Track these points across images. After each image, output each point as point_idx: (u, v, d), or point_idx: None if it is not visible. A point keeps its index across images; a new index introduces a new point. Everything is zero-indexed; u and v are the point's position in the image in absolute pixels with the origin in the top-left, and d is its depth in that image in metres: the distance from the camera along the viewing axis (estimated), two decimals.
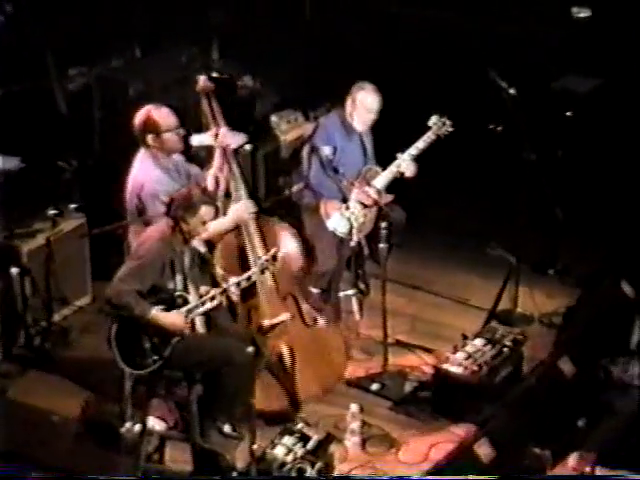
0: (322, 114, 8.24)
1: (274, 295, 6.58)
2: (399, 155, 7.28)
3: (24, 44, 8.44)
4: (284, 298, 6.64)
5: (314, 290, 7.19)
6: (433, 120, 7.33)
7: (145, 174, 6.42)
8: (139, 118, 6.50)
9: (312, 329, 6.72)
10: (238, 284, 6.15)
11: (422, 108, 7.57)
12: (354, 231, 6.87)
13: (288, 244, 6.68)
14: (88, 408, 6.61)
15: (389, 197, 7.26)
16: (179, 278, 6.09)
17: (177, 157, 6.60)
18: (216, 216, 6.29)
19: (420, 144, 7.28)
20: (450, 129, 7.32)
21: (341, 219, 7.07)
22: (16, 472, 5.92)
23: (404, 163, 7.26)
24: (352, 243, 6.89)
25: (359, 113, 7.25)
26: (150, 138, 6.46)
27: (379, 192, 7.16)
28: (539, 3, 9.41)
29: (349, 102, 7.27)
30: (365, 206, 7.11)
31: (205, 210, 6.06)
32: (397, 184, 7.38)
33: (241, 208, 6.51)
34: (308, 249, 6.99)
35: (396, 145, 7.39)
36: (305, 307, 6.72)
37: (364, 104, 7.22)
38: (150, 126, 6.45)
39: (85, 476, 5.96)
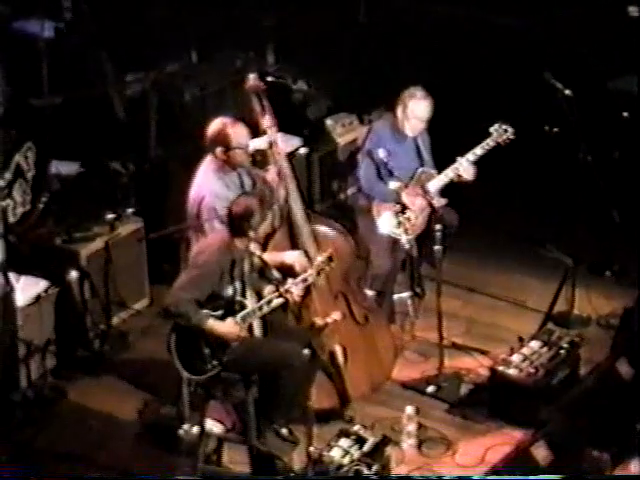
0: (376, 118, 8.24)
1: (326, 294, 6.61)
2: (458, 159, 7.27)
3: (83, 50, 8.55)
4: (336, 297, 6.67)
5: (369, 292, 7.22)
6: (495, 127, 7.29)
7: (207, 185, 6.46)
8: (213, 129, 6.50)
9: (362, 328, 6.74)
10: (296, 285, 6.19)
11: (478, 111, 7.55)
12: (402, 232, 6.88)
13: (339, 243, 6.70)
14: (147, 410, 6.68)
15: (442, 201, 7.24)
16: (238, 284, 6.13)
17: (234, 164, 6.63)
18: (272, 223, 6.32)
19: (478, 150, 7.25)
20: (512, 137, 7.26)
21: (390, 220, 7.09)
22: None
23: (461, 167, 7.24)
24: (405, 245, 6.89)
25: (409, 120, 7.24)
26: (219, 151, 6.48)
27: (432, 194, 7.16)
28: (595, 3, 9.34)
29: (400, 109, 7.24)
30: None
31: (262, 219, 6.11)
32: (453, 186, 7.38)
33: (296, 257, 6.41)
34: (360, 249, 7.03)
35: (453, 149, 7.38)
36: (356, 306, 6.75)
37: (415, 112, 7.20)
38: (222, 140, 6.45)
39: (142, 477, 6.03)
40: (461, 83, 9.28)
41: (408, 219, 6.98)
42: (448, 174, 7.25)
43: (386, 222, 7.12)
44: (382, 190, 7.16)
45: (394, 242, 7.11)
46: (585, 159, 7.34)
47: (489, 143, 7.26)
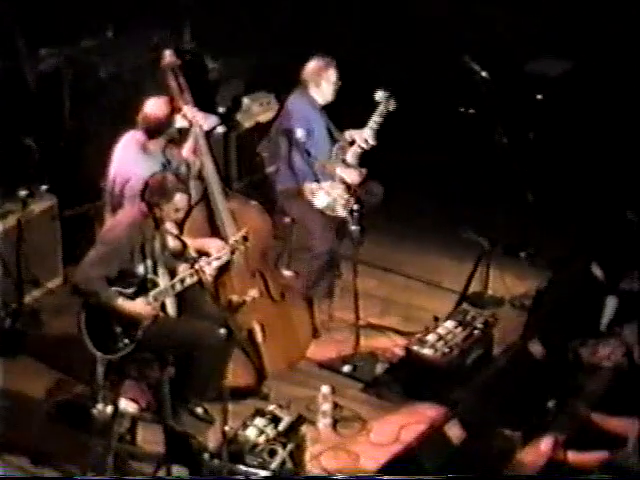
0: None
1: (243, 272, 6.60)
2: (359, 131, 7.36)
3: None
4: (253, 275, 6.67)
5: (286, 272, 7.22)
6: (380, 95, 7.35)
7: (133, 165, 6.40)
8: (156, 109, 6.50)
9: (279, 305, 6.76)
10: (208, 264, 6.15)
11: (398, 94, 7.57)
12: (340, 208, 6.94)
13: (257, 222, 6.68)
14: (59, 390, 6.60)
15: (363, 171, 7.31)
16: (149, 262, 6.08)
17: (161, 141, 6.57)
18: (189, 202, 6.28)
19: (377, 118, 7.35)
20: (394, 105, 7.35)
21: (327, 197, 7.10)
22: None
23: (370, 138, 7.31)
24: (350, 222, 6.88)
25: (323, 88, 7.26)
26: (150, 130, 6.48)
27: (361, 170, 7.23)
28: None
29: (312, 82, 7.25)
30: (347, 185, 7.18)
31: (179, 197, 6.06)
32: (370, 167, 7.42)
33: (213, 246, 6.39)
34: (277, 228, 7.07)
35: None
36: (273, 284, 6.75)
37: (332, 79, 7.24)
38: (163, 121, 6.49)
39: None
40: (380, 63, 9.29)
41: (341, 195, 7.05)
42: (360, 146, 7.33)
43: (324, 200, 7.12)
44: (303, 169, 7.16)
45: (331, 219, 7.10)
46: (500, 141, 7.41)
47: (383, 110, 7.35)
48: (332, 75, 7.27)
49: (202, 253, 6.31)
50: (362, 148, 7.37)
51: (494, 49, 8.80)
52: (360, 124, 7.44)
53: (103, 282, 5.89)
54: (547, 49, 9.18)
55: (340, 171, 7.25)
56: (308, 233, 7.21)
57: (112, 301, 5.90)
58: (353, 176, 7.27)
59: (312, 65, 7.28)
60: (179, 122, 6.72)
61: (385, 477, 5.79)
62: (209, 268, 6.14)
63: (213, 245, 6.36)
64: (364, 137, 7.36)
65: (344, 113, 7.56)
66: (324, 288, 7.28)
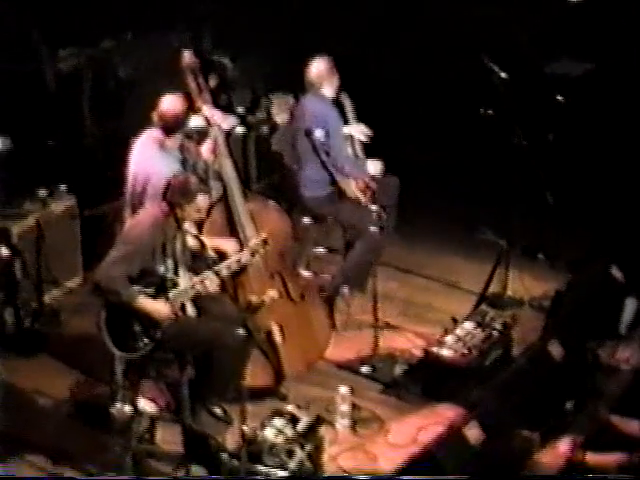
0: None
1: (262, 273, 6.61)
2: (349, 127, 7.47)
3: (15, 24, 8.41)
4: (272, 276, 6.67)
5: (305, 272, 7.23)
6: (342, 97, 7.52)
7: (152, 163, 6.42)
8: (171, 106, 6.53)
9: (298, 306, 6.76)
10: (228, 267, 6.17)
11: (416, 94, 7.58)
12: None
13: (276, 223, 6.69)
14: (79, 389, 6.62)
15: (378, 165, 7.37)
16: (170, 262, 6.09)
17: (178, 138, 6.59)
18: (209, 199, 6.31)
19: (352, 114, 7.51)
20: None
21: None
22: None
23: (365, 129, 7.45)
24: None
25: (328, 84, 7.29)
26: (168, 128, 6.50)
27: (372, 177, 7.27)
28: None
29: (321, 80, 7.27)
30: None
31: (201, 198, 6.07)
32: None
33: (230, 247, 6.40)
34: (296, 230, 7.07)
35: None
36: (292, 285, 6.75)
37: (321, 74, 7.27)
38: (179, 118, 6.52)
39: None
40: (399, 65, 9.29)
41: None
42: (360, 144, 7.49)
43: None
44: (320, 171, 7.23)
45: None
46: (520, 142, 7.40)
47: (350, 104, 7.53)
48: (323, 69, 7.31)
49: (218, 253, 6.32)
50: (363, 141, 7.45)
51: (514, 50, 8.78)
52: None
53: (125, 281, 5.90)
54: (567, 50, 9.16)
55: (369, 164, 7.36)
56: (361, 229, 7.18)
57: (133, 300, 5.90)
58: (377, 167, 7.39)
59: (320, 67, 7.30)
60: (196, 121, 6.74)
61: (403, 477, 5.78)
62: (228, 271, 6.15)
63: (228, 245, 6.36)
64: (360, 130, 7.43)
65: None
66: (363, 281, 7.24)
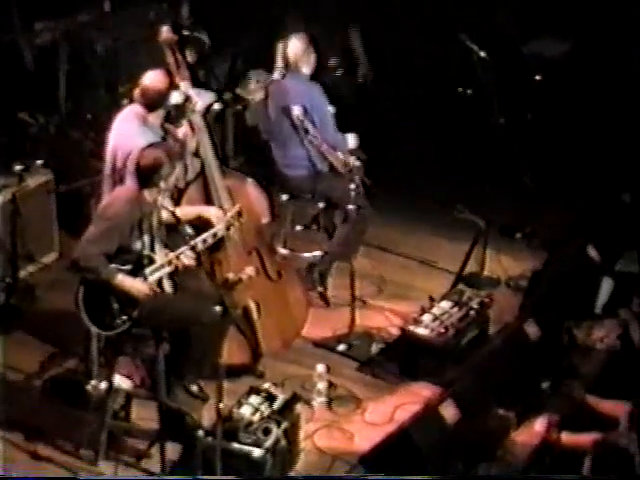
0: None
1: (240, 249, 6.59)
2: None
3: None
4: (249, 253, 6.65)
5: (282, 250, 7.22)
6: None
7: (133, 138, 6.36)
8: (153, 81, 6.48)
9: (275, 284, 6.75)
10: (204, 241, 6.14)
11: (394, 73, 7.54)
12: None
13: (253, 199, 6.67)
14: (52, 364, 6.59)
15: (354, 139, 7.38)
16: (146, 238, 6.05)
17: (160, 114, 6.55)
18: (185, 175, 6.28)
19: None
20: None
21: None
22: None
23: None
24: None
25: (306, 62, 7.24)
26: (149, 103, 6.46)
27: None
28: None
29: (300, 59, 7.24)
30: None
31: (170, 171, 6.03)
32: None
33: (213, 213, 6.38)
34: (274, 207, 7.03)
35: None
36: (269, 262, 6.74)
37: (307, 51, 7.23)
38: (160, 93, 6.47)
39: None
40: (378, 44, 9.24)
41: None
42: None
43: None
44: (295, 146, 7.20)
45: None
46: (498, 121, 7.39)
47: None
48: (299, 47, 7.25)
49: (202, 221, 6.28)
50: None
51: (492, 29, 8.76)
52: None
53: (103, 259, 5.86)
54: (546, 29, 9.14)
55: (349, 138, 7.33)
56: (342, 206, 7.14)
57: (111, 278, 5.87)
58: (353, 140, 7.36)
59: (297, 45, 7.24)
60: (175, 97, 6.69)
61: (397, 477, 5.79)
62: (204, 245, 6.13)
63: (211, 212, 6.34)
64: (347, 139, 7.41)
65: None
66: (351, 253, 7.19)
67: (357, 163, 7.00)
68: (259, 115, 7.86)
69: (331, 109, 7.43)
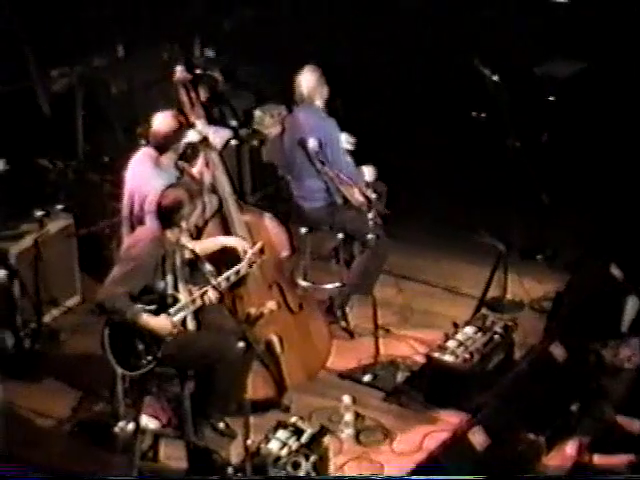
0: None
1: (260, 284, 6.60)
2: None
3: (5, 45, 8.40)
4: (270, 287, 6.66)
5: (302, 282, 7.22)
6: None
7: (148, 180, 6.41)
8: (164, 123, 6.50)
9: (297, 316, 6.75)
10: (227, 279, 6.16)
11: (408, 99, 7.55)
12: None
13: (272, 233, 6.69)
14: (81, 408, 6.60)
15: (372, 171, 7.37)
16: (170, 278, 6.08)
17: (172, 155, 6.59)
18: (203, 213, 6.30)
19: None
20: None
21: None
22: (15, 473, 5.90)
23: (350, 138, 7.43)
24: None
25: (319, 95, 7.26)
26: (161, 145, 6.49)
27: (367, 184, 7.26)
28: None
29: (314, 93, 7.26)
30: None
31: (194, 213, 6.07)
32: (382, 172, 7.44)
33: (237, 241, 6.43)
34: (293, 240, 7.02)
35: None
36: (290, 295, 6.75)
37: (310, 85, 7.24)
38: (173, 135, 6.49)
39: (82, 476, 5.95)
40: (390, 70, 9.28)
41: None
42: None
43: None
44: (313, 181, 7.21)
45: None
46: (513, 144, 7.39)
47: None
48: (312, 80, 7.26)
49: (225, 252, 6.31)
50: (349, 149, 7.44)
51: (503, 52, 8.77)
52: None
53: (127, 299, 5.88)
54: (557, 50, 9.15)
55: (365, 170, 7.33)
56: (359, 238, 7.19)
57: (136, 318, 5.89)
58: (371, 173, 7.37)
59: (309, 79, 7.26)
60: (190, 136, 6.72)
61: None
62: (227, 283, 6.14)
63: (234, 242, 6.38)
64: (344, 137, 7.41)
65: None
66: (369, 286, 7.17)
67: (373, 195, 7.00)
68: (275, 149, 7.89)
69: (347, 142, 7.44)
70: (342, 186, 7.15)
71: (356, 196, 7.11)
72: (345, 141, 7.45)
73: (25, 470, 5.93)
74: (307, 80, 7.28)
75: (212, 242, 6.43)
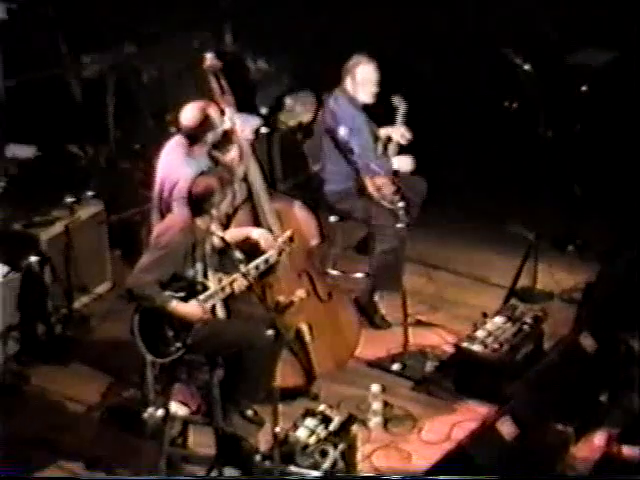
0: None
1: (290, 272, 6.60)
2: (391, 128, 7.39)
3: (37, 31, 8.44)
4: (299, 275, 6.67)
5: (332, 271, 7.22)
6: (396, 100, 7.38)
7: (179, 168, 6.41)
8: (194, 112, 6.47)
9: (326, 304, 6.75)
10: (257, 267, 6.17)
11: (440, 89, 7.52)
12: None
13: (302, 222, 6.69)
14: (110, 394, 6.64)
15: (409, 162, 7.29)
16: (199, 265, 6.09)
17: (205, 145, 6.59)
18: (233, 200, 6.31)
19: (401, 118, 7.36)
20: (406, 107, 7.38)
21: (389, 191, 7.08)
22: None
23: (407, 132, 7.34)
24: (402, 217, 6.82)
25: (363, 87, 7.22)
26: (193, 133, 6.48)
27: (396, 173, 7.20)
28: None
29: (348, 79, 7.22)
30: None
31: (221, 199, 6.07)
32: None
33: (261, 234, 6.42)
34: (323, 229, 7.02)
35: None
36: (320, 283, 6.75)
37: (365, 77, 7.19)
38: (203, 123, 6.45)
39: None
40: (422, 61, 9.25)
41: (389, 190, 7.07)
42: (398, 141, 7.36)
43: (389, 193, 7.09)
44: (345, 168, 7.18)
45: (395, 216, 6.98)
46: (545, 133, 7.35)
47: (403, 111, 7.37)
48: (368, 72, 7.19)
49: (247, 247, 6.30)
50: (400, 143, 7.36)
51: (536, 41, 8.72)
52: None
53: (156, 286, 5.90)
54: (589, 40, 9.09)
55: (397, 161, 7.25)
56: (377, 229, 7.15)
57: (166, 305, 5.91)
58: (407, 164, 7.28)
59: (366, 71, 7.21)
60: (225, 124, 6.73)
61: (440, 477, 5.75)
62: (256, 271, 6.16)
63: (254, 233, 6.37)
64: (401, 132, 7.35)
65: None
66: (395, 282, 7.15)
67: (393, 188, 6.97)
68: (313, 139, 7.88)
69: (402, 136, 7.37)
70: (365, 174, 7.13)
71: (384, 188, 7.08)
72: (400, 135, 7.38)
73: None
74: (363, 71, 7.18)
75: (239, 232, 6.44)
